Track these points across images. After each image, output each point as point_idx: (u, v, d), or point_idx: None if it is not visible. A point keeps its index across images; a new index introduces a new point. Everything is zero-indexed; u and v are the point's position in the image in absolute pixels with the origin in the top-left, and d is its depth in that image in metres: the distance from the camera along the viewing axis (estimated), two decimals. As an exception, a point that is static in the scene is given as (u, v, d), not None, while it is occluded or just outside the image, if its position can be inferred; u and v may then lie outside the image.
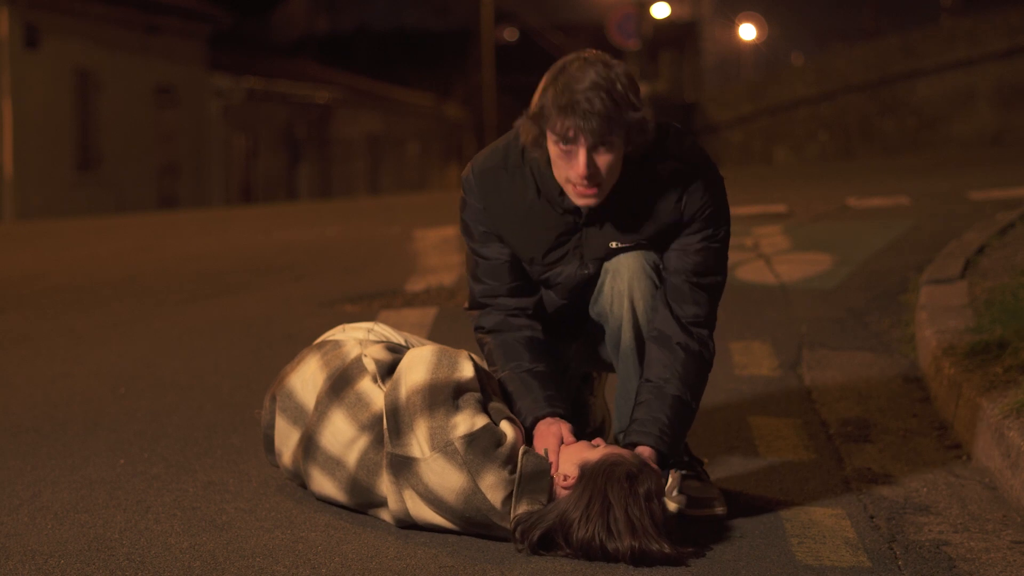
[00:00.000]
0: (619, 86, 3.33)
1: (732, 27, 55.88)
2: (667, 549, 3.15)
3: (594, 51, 3.42)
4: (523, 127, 3.44)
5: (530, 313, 3.66)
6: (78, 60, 23.48)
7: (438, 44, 41.19)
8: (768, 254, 8.34)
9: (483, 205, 3.60)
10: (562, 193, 3.49)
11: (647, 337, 3.56)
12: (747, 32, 55.74)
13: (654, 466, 3.38)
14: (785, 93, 33.33)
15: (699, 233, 3.55)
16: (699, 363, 3.55)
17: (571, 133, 3.32)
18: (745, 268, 7.89)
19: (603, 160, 3.36)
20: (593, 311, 3.67)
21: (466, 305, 3.75)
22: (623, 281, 3.56)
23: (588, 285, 3.64)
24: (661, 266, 3.58)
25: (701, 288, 3.56)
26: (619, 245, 3.55)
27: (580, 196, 3.42)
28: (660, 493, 3.24)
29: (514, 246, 3.61)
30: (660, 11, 36.72)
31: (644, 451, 3.43)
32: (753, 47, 58.34)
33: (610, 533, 3.17)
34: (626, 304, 3.56)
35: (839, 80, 30.73)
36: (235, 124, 28.45)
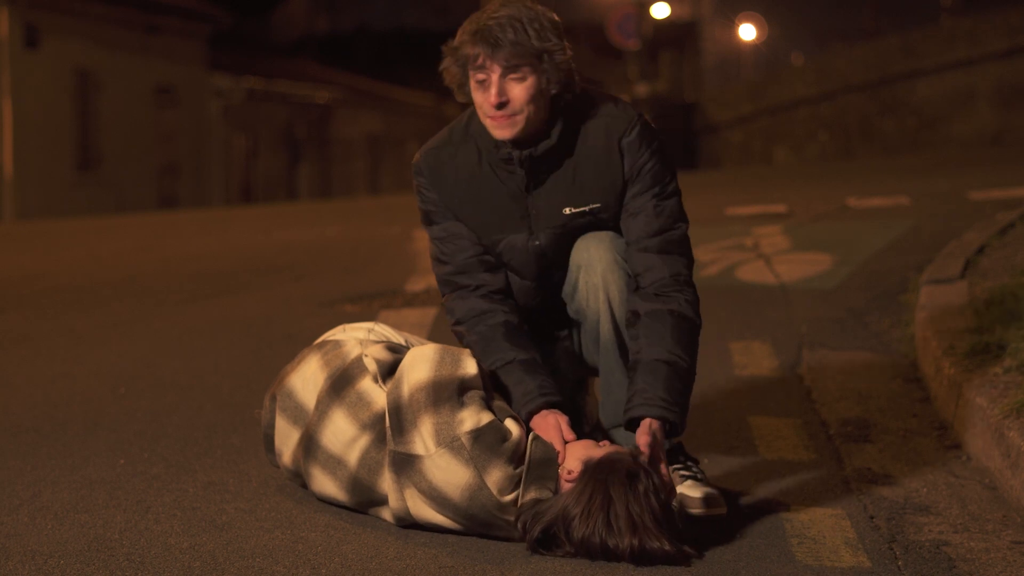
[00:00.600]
0: (535, 22, 3.41)
1: (732, 27, 55.87)
2: (668, 547, 3.15)
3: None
4: (446, 69, 3.53)
5: (498, 291, 3.65)
6: (78, 60, 23.49)
7: (438, 44, 41.02)
8: (768, 254, 8.34)
9: (431, 182, 3.66)
10: (497, 145, 3.54)
11: (625, 325, 3.56)
12: (747, 32, 55.73)
13: (660, 437, 3.36)
14: (785, 93, 33.32)
15: (647, 192, 3.56)
16: (677, 320, 3.49)
17: (480, 60, 3.43)
18: (745, 268, 7.89)
19: (516, 90, 3.44)
20: (571, 309, 3.67)
21: (441, 293, 3.77)
22: (596, 275, 3.56)
23: (550, 266, 3.64)
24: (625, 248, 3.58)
25: (664, 249, 3.55)
26: (572, 211, 3.57)
27: (497, 127, 3.48)
28: (661, 491, 3.23)
29: (465, 218, 3.64)
30: (660, 11, 36.70)
31: (645, 424, 3.39)
32: (753, 47, 58.33)
33: (610, 529, 3.16)
34: (602, 297, 3.56)
35: (839, 80, 30.72)
36: (235, 124, 28.45)
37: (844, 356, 5.55)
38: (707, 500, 3.56)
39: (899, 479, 3.90)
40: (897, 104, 28.39)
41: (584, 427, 3.90)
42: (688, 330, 3.52)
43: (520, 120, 3.46)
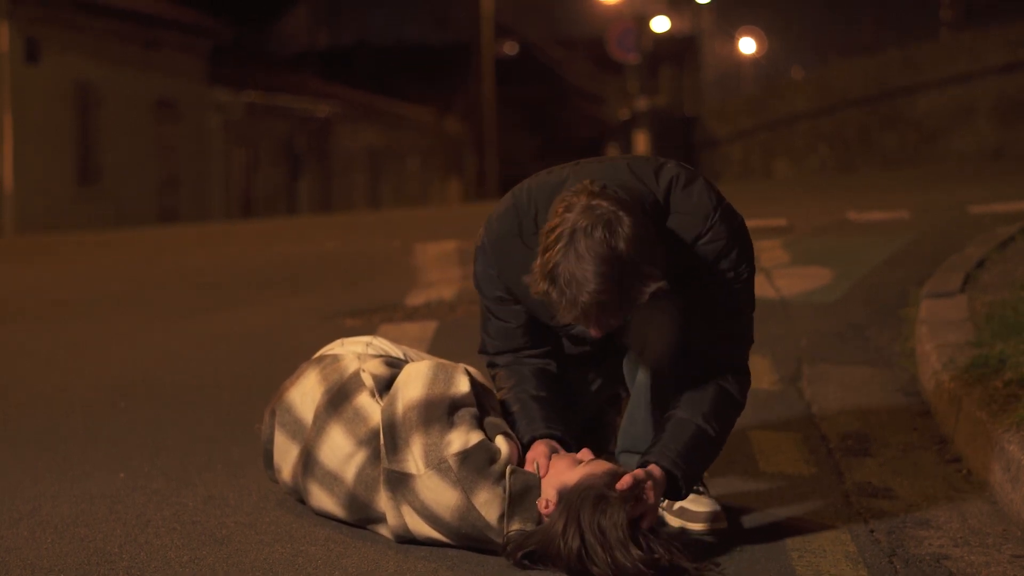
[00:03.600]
0: (629, 295, 3.17)
1: (732, 41, 55.93)
2: (644, 565, 3.13)
3: (595, 208, 3.16)
4: (532, 284, 3.25)
5: (539, 354, 3.63)
6: (79, 74, 23.52)
7: (438, 58, 41.22)
8: (768, 268, 8.33)
9: (497, 272, 3.54)
10: None
11: (677, 379, 3.54)
12: (747, 46, 55.80)
13: (655, 488, 3.35)
14: (785, 107, 33.34)
15: (720, 281, 3.47)
16: (721, 393, 3.49)
17: (582, 325, 3.28)
18: (745, 282, 7.87)
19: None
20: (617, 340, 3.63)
21: (479, 349, 3.71)
22: (647, 327, 3.52)
23: (615, 334, 3.59)
24: (685, 311, 3.50)
25: (727, 334, 3.52)
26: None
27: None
28: (644, 510, 3.23)
29: (531, 308, 3.55)
30: (660, 25, 36.80)
31: (648, 468, 3.39)
32: (753, 61, 58.40)
33: (589, 556, 3.15)
34: (648, 342, 3.52)
35: (839, 94, 30.74)
36: (235, 138, 28.48)
37: (844, 370, 5.55)
38: (708, 515, 3.56)
39: (899, 493, 3.90)
40: (897, 118, 28.42)
41: (610, 446, 3.89)
42: (729, 405, 3.52)
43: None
